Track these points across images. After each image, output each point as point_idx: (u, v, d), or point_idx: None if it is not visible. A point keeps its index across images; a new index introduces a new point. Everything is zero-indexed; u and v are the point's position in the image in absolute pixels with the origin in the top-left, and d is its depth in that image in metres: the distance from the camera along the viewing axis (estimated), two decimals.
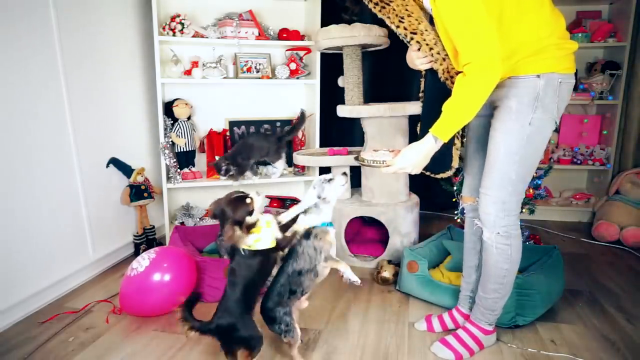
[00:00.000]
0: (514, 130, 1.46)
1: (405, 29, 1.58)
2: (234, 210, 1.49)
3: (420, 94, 1.79)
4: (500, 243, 1.56)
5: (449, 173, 1.68)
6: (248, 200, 1.51)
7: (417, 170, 1.53)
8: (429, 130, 1.45)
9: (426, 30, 1.57)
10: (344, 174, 1.66)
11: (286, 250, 1.61)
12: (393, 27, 1.60)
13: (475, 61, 1.33)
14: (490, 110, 1.57)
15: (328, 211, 1.64)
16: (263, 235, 1.53)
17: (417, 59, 1.65)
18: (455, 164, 1.64)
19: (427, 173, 1.70)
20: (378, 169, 1.64)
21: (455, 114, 1.41)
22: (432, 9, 1.46)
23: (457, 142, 1.65)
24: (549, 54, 1.42)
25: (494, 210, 1.54)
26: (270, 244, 1.54)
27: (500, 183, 1.52)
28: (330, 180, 1.63)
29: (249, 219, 1.51)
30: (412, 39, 1.59)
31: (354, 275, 1.61)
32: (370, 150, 1.67)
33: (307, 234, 1.59)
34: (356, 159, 1.74)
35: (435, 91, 1.63)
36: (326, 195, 1.61)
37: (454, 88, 1.41)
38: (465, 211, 1.84)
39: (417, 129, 1.79)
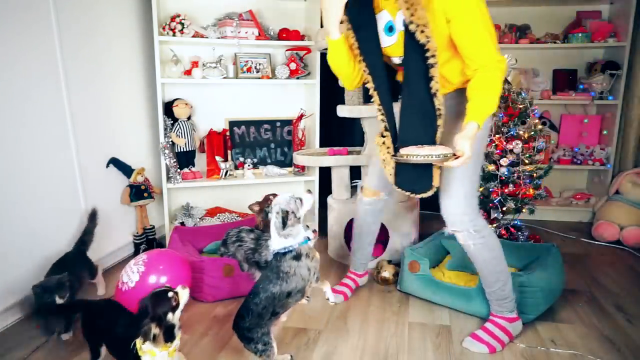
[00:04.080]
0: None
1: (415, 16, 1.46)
2: (154, 305, 1.35)
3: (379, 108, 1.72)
4: (477, 240, 1.68)
5: (430, 193, 1.66)
6: (170, 294, 1.38)
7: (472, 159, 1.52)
8: (471, 119, 1.47)
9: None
10: (309, 191, 1.60)
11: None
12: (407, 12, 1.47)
13: (496, 60, 1.49)
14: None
15: (301, 229, 1.55)
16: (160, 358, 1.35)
17: None
18: (436, 182, 1.63)
19: (408, 193, 1.72)
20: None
21: (490, 103, 1.50)
22: (431, 26, 1.48)
23: None
24: None
25: (458, 209, 1.66)
26: None
27: (462, 181, 1.65)
28: (298, 199, 1.56)
29: (170, 317, 1.36)
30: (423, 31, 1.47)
31: (332, 296, 1.68)
32: (410, 148, 1.53)
33: (298, 255, 1.51)
34: (394, 156, 1.58)
35: (416, 100, 1.59)
36: (300, 214, 1.54)
37: (480, 82, 1.50)
38: (362, 202, 2.05)
39: (385, 139, 1.73)
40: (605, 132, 3.33)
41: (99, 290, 2.22)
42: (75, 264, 2.03)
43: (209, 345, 1.76)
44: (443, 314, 2.01)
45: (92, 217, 2.18)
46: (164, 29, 2.73)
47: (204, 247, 2.56)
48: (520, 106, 2.47)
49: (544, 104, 3.36)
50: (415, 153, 1.49)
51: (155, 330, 1.32)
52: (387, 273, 2.31)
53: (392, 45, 1.63)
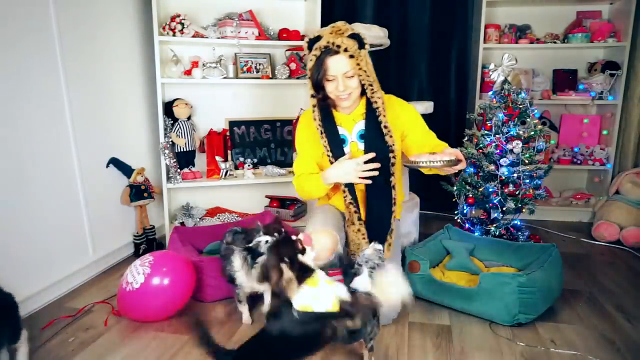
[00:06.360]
0: None
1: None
2: (277, 249, 1.22)
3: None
4: None
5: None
6: (294, 237, 1.27)
7: None
8: (443, 144, 1.83)
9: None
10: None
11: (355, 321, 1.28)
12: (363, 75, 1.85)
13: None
14: None
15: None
16: (322, 291, 1.23)
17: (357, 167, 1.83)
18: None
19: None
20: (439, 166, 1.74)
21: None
22: (394, 126, 1.88)
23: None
24: None
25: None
26: (332, 305, 1.22)
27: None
28: (380, 250, 1.59)
29: (302, 258, 1.24)
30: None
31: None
32: (424, 155, 1.71)
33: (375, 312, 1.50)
34: (410, 163, 1.75)
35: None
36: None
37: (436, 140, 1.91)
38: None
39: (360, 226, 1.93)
40: (605, 132, 3.33)
41: None
42: None
43: None
44: (443, 314, 2.01)
45: None
46: (164, 29, 2.73)
47: (204, 247, 2.55)
48: (520, 106, 2.47)
49: (544, 104, 3.36)
50: (425, 160, 1.69)
51: (287, 273, 1.19)
52: None
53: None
